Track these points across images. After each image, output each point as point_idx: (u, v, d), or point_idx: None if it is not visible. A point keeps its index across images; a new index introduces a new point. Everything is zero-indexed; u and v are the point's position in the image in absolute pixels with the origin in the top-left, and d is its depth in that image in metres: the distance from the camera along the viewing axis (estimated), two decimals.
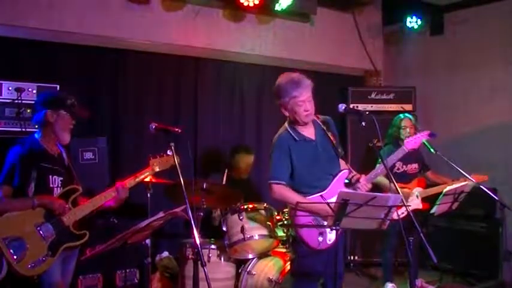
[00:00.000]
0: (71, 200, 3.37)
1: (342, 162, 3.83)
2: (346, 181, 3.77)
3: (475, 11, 6.75)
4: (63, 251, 3.30)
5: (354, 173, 3.73)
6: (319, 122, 3.78)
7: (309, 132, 3.72)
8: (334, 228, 3.18)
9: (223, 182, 5.43)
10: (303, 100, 3.57)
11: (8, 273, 3.11)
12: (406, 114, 5.56)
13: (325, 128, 3.75)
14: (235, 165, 5.59)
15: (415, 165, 5.45)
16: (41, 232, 3.22)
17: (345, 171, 3.75)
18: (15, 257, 3.10)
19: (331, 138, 3.74)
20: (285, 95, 3.60)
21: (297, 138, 3.66)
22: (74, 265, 3.54)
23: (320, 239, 3.51)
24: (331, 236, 3.55)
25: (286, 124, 3.76)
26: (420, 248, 3.80)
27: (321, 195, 3.60)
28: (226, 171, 5.54)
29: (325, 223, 3.45)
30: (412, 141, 4.45)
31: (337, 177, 3.71)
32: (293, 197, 3.56)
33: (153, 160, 3.66)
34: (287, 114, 3.68)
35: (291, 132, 3.69)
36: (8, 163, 3.31)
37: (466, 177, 4.72)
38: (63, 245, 3.28)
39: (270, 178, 3.66)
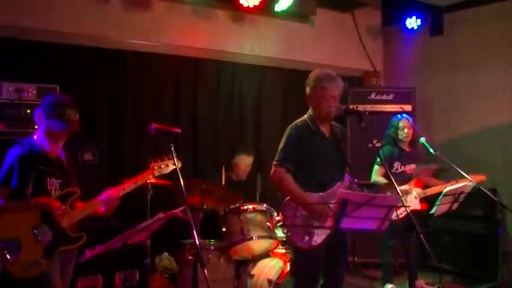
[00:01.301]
0: (69, 203, 3.36)
1: (345, 174, 3.80)
2: None
3: (475, 12, 6.75)
4: (60, 253, 3.28)
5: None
6: (335, 129, 3.81)
7: (325, 129, 3.75)
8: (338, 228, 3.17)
9: (223, 183, 5.42)
10: (331, 96, 3.63)
11: (3, 275, 3.10)
12: (404, 115, 5.56)
13: (341, 135, 3.81)
14: (234, 167, 5.57)
15: (413, 166, 5.44)
16: (37, 234, 3.20)
17: (346, 184, 3.70)
18: (10, 258, 3.08)
19: (344, 146, 3.79)
20: (316, 84, 3.67)
21: (313, 129, 3.70)
22: (72, 267, 3.53)
23: (306, 238, 3.49)
24: (317, 238, 3.50)
25: (305, 116, 3.80)
26: (420, 248, 3.81)
27: (321, 196, 3.59)
28: (223, 171, 5.52)
29: (314, 223, 3.47)
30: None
31: (337, 186, 3.63)
32: (294, 189, 3.56)
33: (153, 164, 3.63)
34: (311, 105, 3.73)
35: (309, 122, 3.73)
36: (7, 164, 3.29)
37: (466, 178, 4.73)
38: (59, 248, 3.25)
39: (276, 159, 3.67)
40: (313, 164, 3.65)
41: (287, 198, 3.64)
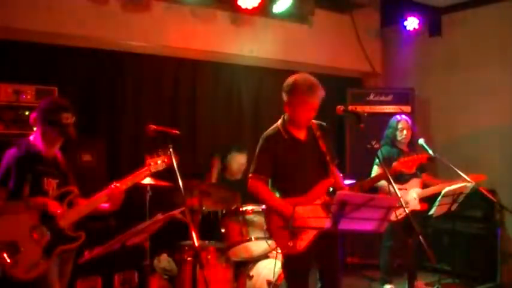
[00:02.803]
0: (66, 202, 3.36)
1: (334, 170, 3.71)
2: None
3: (473, 12, 6.76)
4: (59, 253, 3.28)
5: (342, 184, 3.68)
6: (313, 127, 3.72)
7: (300, 133, 3.67)
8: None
9: (213, 180, 5.40)
10: (312, 107, 3.54)
11: (3, 277, 3.10)
12: (403, 116, 5.56)
13: (318, 133, 3.70)
14: (227, 165, 5.58)
15: None
16: (35, 235, 3.20)
17: (329, 180, 3.62)
18: (9, 260, 3.08)
19: (323, 144, 3.67)
20: (296, 94, 3.53)
21: (286, 136, 3.62)
22: (71, 268, 3.53)
23: (290, 244, 3.43)
24: (301, 243, 3.45)
25: (279, 122, 3.72)
26: (419, 249, 3.81)
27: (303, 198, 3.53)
28: (211, 168, 5.50)
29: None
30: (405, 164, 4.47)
31: (320, 184, 3.58)
32: (270, 197, 3.55)
33: (150, 160, 3.63)
34: (287, 112, 3.64)
35: (281, 130, 3.65)
36: (3, 165, 3.30)
37: (465, 178, 4.73)
38: (58, 248, 3.26)
39: (250, 171, 3.63)
40: (291, 171, 3.59)
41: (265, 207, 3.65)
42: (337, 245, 3.67)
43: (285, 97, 3.61)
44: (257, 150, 3.66)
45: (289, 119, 3.65)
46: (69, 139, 3.43)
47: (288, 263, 3.62)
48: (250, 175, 3.63)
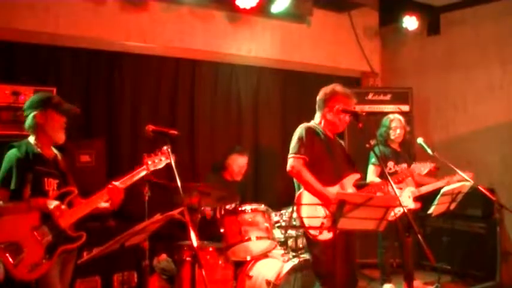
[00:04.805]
0: (67, 202, 3.36)
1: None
2: None
3: (471, 11, 6.76)
4: (61, 253, 3.29)
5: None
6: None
7: (329, 133, 3.99)
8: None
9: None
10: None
11: (6, 278, 3.10)
12: (396, 115, 5.54)
13: (339, 140, 4.07)
14: (227, 167, 5.57)
15: (404, 166, 5.43)
16: (37, 235, 3.20)
17: (357, 175, 3.93)
18: (12, 261, 3.09)
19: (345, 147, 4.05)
20: (338, 99, 3.91)
21: (319, 132, 3.92)
22: (72, 268, 3.53)
23: (321, 226, 3.57)
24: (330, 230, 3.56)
25: (312, 122, 4.02)
26: (418, 248, 3.81)
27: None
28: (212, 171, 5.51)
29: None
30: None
31: (349, 177, 3.86)
32: (311, 179, 3.70)
33: (147, 159, 3.65)
34: (329, 117, 3.91)
35: (316, 126, 3.96)
36: (5, 167, 3.31)
37: (464, 177, 4.73)
38: (60, 248, 3.27)
39: (292, 152, 3.84)
40: (324, 162, 3.83)
41: (299, 192, 3.77)
42: (353, 244, 3.82)
43: (325, 103, 3.95)
44: (297, 135, 3.90)
45: (324, 123, 3.97)
46: (74, 115, 3.54)
47: (321, 255, 3.72)
48: (290, 156, 3.84)
